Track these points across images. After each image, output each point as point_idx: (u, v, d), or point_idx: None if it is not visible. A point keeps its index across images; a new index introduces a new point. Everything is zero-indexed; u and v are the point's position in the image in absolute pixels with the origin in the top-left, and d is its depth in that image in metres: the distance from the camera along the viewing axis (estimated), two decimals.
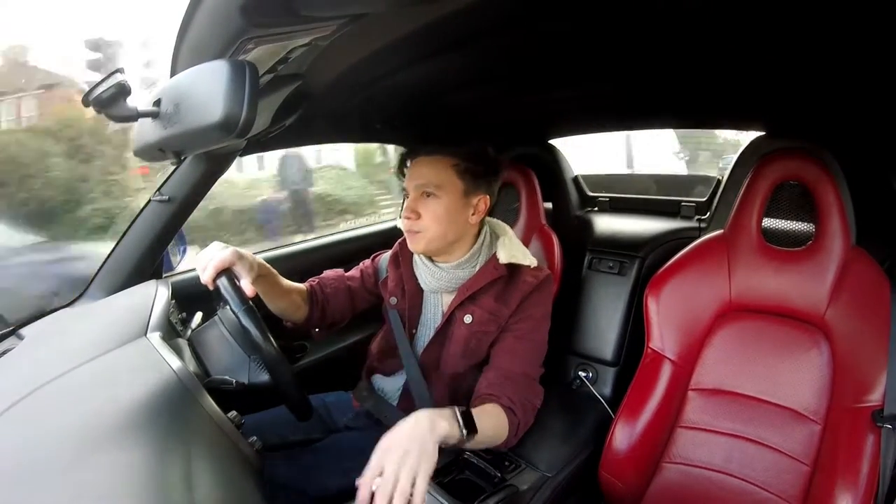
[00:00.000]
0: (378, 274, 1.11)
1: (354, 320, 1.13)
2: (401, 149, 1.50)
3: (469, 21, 0.69)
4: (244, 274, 0.80)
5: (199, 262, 0.79)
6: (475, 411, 0.77)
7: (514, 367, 0.90)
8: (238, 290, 0.76)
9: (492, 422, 0.81)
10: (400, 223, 0.96)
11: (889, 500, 0.75)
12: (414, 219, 0.91)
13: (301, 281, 1.05)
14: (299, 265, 1.25)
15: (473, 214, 0.94)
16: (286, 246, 1.56)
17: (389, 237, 1.62)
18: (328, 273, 1.10)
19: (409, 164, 0.96)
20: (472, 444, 0.79)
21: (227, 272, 0.78)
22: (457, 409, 0.73)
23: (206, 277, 0.77)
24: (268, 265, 0.91)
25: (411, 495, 0.59)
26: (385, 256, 1.11)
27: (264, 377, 0.78)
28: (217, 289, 0.77)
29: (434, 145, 0.93)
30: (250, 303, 0.76)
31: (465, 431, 0.71)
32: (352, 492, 0.65)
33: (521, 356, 0.92)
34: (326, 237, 1.69)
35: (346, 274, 1.11)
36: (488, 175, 0.95)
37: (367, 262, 1.14)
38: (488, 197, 0.95)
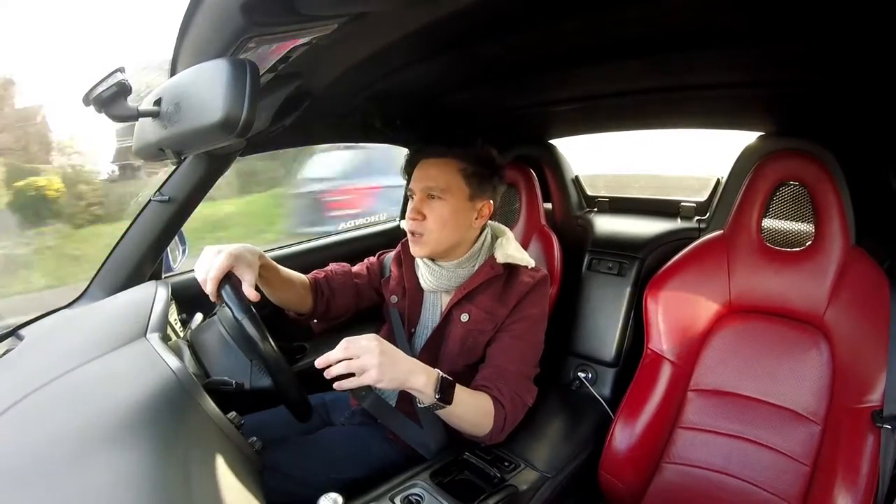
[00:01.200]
0: (382, 272, 1.11)
1: (355, 320, 1.13)
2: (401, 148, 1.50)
3: (469, 21, 0.69)
4: (245, 275, 0.79)
5: (199, 273, 0.80)
6: (461, 389, 0.80)
7: (510, 366, 0.90)
8: (240, 298, 0.76)
9: (474, 403, 0.83)
10: (404, 223, 0.96)
11: (889, 501, 0.75)
12: (420, 220, 0.91)
13: None
14: (302, 265, 1.24)
15: (477, 219, 0.95)
16: (290, 245, 1.56)
17: (393, 237, 1.62)
18: (334, 267, 1.10)
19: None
20: (453, 420, 0.82)
21: (228, 279, 0.78)
22: (441, 376, 0.77)
23: (209, 290, 0.78)
24: (268, 257, 0.91)
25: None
26: (390, 255, 1.12)
27: (266, 381, 0.78)
28: (222, 298, 0.77)
29: (442, 146, 0.93)
30: (252, 310, 0.76)
31: (437, 396, 0.76)
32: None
33: (517, 355, 0.92)
34: (329, 237, 1.69)
35: (353, 270, 1.11)
36: (493, 179, 0.96)
37: (373, 259, 1.14)
38: (492, 203, 0.96)
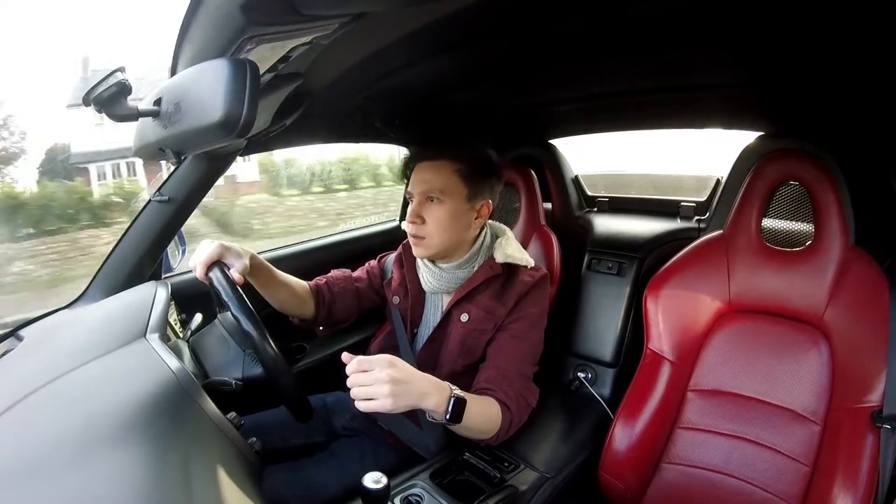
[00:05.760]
0: (384, 274, 1.12)
1: (358, 322, 1.13)
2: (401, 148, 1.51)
3: (469, 21, 0.69)
4: (234, 262, 0.85)
5: (192, 261, 0.84)
6: (471, 401, 0.78)
7: (511, 366, 0.90)
8: (228, 280, 0.80)
9: (483, 412, 0.82)
10: (405, 225, 0.96)
11: (888, 501, 0.75)
12: (419, 223, 0.92)
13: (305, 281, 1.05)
14: (303, 265, 1.24)
15: (477, 219, 0.95)
16: (289, 246, 1.56)
17: (393, 237, 1.62)
18: (335, 273, 1.11)
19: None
20: (461, 431, 0.81)
21: (217, 264, 0.82)
22: (454, 395, 0.75)
23: (198, 273, 0.83)
24: (259, 257, 0.93)
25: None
26: (391, 257, 1.12)
27: (258, 370, 0.78)
28: (211, 282, 0.80)
29: (437, 148, 0.93)
30: (240, 290, 0.78)
31: (448, 417, 0.74)
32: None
33: (518, 355, 0.92)
34: (330, 237, 1.68)
35: (353, 274, 1.12)
36: (491, 179, 0.96)
37: (374, 262, 1.15)
38: (490, 202, 0.96)
